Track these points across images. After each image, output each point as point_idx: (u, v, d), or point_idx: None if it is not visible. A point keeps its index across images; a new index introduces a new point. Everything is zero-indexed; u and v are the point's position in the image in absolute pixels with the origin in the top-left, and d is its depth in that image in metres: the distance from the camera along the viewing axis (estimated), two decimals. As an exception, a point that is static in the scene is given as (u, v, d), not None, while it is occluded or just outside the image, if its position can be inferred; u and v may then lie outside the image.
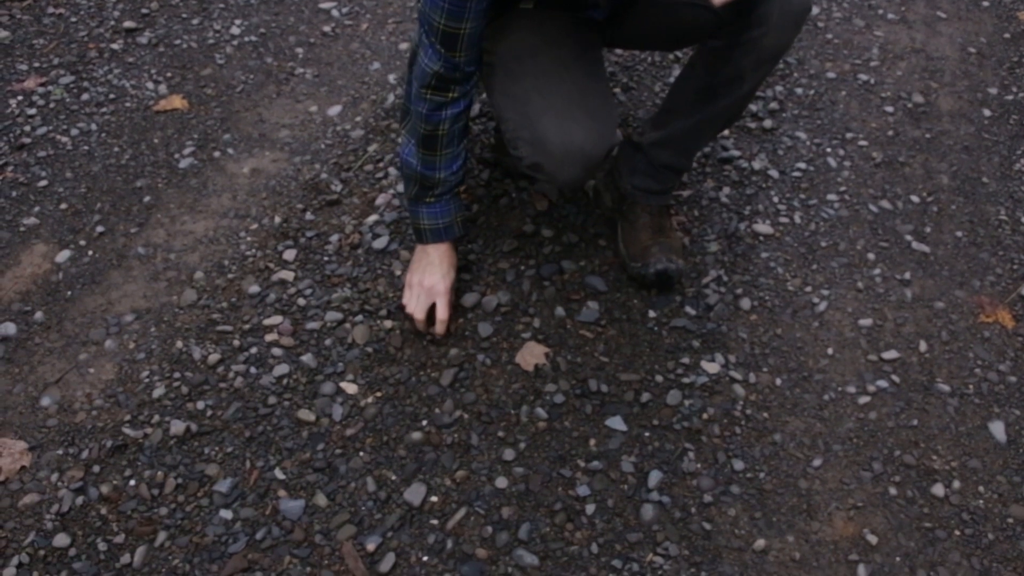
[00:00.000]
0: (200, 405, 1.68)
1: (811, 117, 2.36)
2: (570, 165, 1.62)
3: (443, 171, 1.70)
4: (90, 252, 1.97)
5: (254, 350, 1.77)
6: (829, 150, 2.27)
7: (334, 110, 2.32)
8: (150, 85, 2.40)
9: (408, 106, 1.69)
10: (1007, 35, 2.69)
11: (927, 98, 2.44)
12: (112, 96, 2.37)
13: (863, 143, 2.29)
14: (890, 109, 2.40)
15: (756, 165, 2.20)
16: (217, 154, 2.20)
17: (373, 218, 2.02)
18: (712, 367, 1.77)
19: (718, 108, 1.71)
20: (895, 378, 1.79)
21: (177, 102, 2.35)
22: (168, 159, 2.19)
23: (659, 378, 1.75)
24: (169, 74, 2.44)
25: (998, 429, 1.71)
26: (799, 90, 2.44)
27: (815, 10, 2.72)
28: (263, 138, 2.25)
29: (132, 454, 1.62)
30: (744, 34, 1.59)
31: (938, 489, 1.61)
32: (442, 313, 1.74)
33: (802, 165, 2.22)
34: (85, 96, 2.36)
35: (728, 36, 1.61)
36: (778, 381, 1.77)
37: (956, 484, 1.62)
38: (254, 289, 1.87)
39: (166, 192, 2.10)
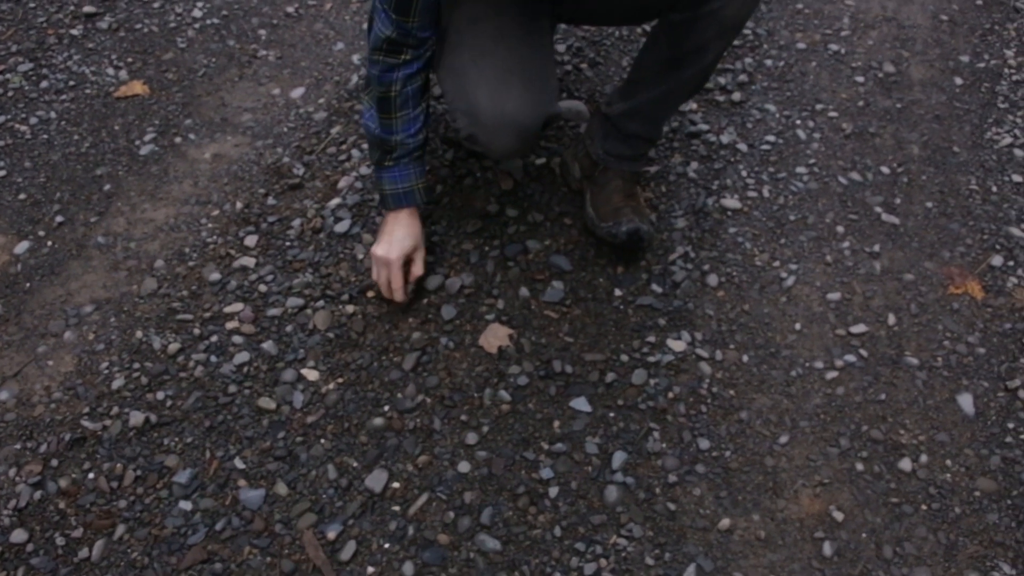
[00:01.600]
0: (160, 395, 1.66)
1: (780, 89, 2.33)
2: (503, 135, 1.62)
3: (400, 133, 1.68)
4: (49, 243, 1.94)
5: (214, 338, 1.75)
6: (799, 122, 2.24)
7: (297, 92, 2.29)
8: (110, 71, 2.36)
9: (367, 71, 1.67)
10: (979, 2, 2.66)
11: (898, 67, 2.42)
12: (72, 83, 2.33)
13: (833, 114, 2.27)
14: (861, 79, 2.37)
15: (724, 139, 2.17)
16: (178, 140, 2.17)
17: (335, 201, 1.99)
18: (678, 345, 1.76)
19: (683, 78, 1.69)
20: (863, 352, 1.77)
21: (138, 88, 2.31)
22: (129, 146, 2.16)
23: (624, 357, 1.73)
24: (130, 59, 2.40)
25: (966, 402, 1.70)
26: (768, 62, 2.41)
27: (786, -20, 2.68)
28: (225, 123, 2.21)
29: (91, 447, 1.60)
30: (704, 6, 1.56)
31: (905, 464, 1.60)
32: (395, 281, 1.71)
33: (771, 138, 2.19)
34: (44, 84, 2.32)
35: (688, 8, 1.58)
36: (745, 358, 1.75)
37: (923, 458, 1.61)
38: (215, 277, 1.85)
39: (127, 180, 2.07)
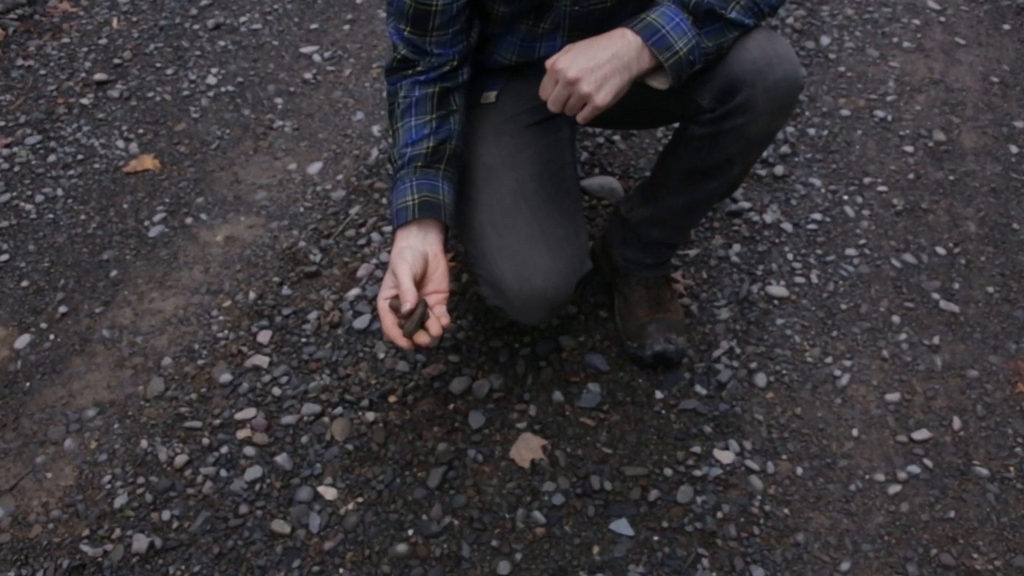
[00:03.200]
0: (165, 515, 1.54)
1: (825, 161, 2.20)
2: (532, 311, 1.47)
3: (399, 145, 1.46)
4: (51, 336, 1.82)
5: (225, 449, 1.62)
6: (846, 198, 2.11)
7: (314, 168, 2.17)
8: (120, 143, 2.26)
9: None
10: (1032, 62, 2.52)
11: (949, 135, 2.28)
12: (80, 157, 2.23)
13: (882, 188, 2.13)
14: (910, 149, 2.24)
15: (768, 218, 2.04)
16: (189, 220, 2.06)
17: (354, 292, 1.87)
18: (726, 456, 1.62)
19: (709, 189, 1.55)
20: (927, 462, 1.63)
21: (148, 162, 2.21)
22: (137, 227, 2.05)
23: (668, 471, 1.59)
24: (141, 130, 2.30)
25: (1044, 520, 1.55)
26: (812, 130, 2.28)
27: (825, 40, 2.56)
28: (238, 201, 2.10)
29: (90, 575, 1.47)
30: (726, 121, 1.42)
31: (981, 595, 1.45)
32: (408, 298, 1.36)
33: (817, 216, 2.06)
34: (52, 157, 2.22)
35: (709, 124, 1.44)
36: (799, 470, 1.61)
37: (1000, 588, 1.47)
38: (225, 378, 1.72)
39: (134, 265, 1.96)
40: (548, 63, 1.30)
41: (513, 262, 1.43)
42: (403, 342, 1.36)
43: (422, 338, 1.36)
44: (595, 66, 1.26)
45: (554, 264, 1.44)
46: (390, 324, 1.36)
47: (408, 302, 1.34)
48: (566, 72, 1.27)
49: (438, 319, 1.37)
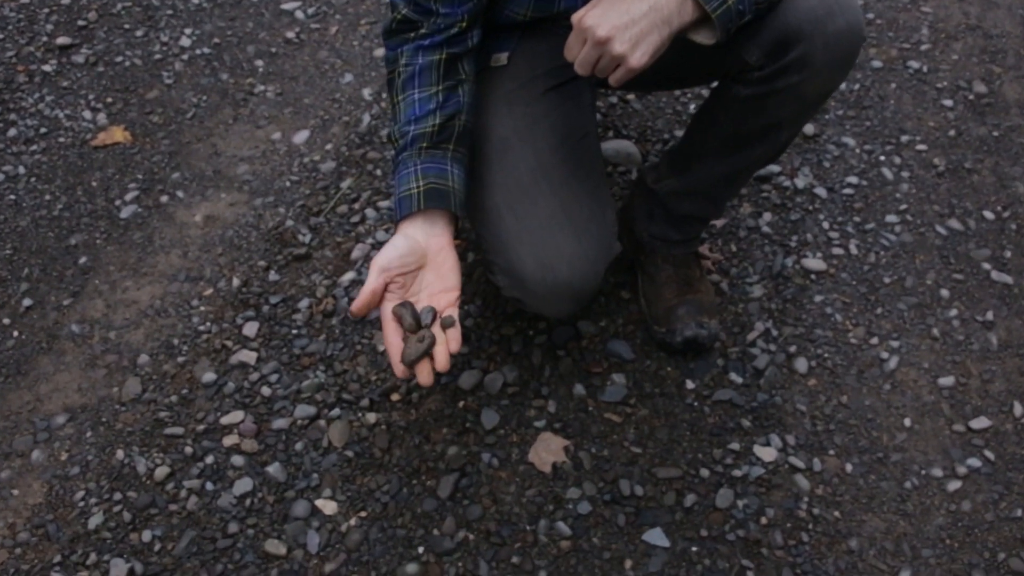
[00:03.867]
0: (146, 536, 1.37)
1: (858, 118, 2.01)
2: (556, 303, 1.29)
3: (400, 121, 1.27)
4: (15, 333, 1.65)
5: (210, 459, 1.45)
6: (883, 158, 1.93)
7: (300, 137, 1.98)
8: (87, 114, 2.06)
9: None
10: (1076, 4, 2.33)
11: (990, 87, 2.10)
12: (43, 130, 2.03)
13: (921, 147, 1.95)
14: (948, 103, 2.06)
15: (800, 183, 1.86)
16: (165, 198, 1.87)
17: (349, 276, 1.69)
18: (768, 453, 1.46)
19: (752, 157, 1.37)
20: (988, 454, 1.47)
21: (118, 134, 2.01)
22: (108, 207, 1.86)
23: (704, 472, 1.44)
24: (109, 99, 2.09)
25: (1121, 517, 1.40)
26: (843, 84, 2.09)
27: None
28: (218, 175, 1.91)
29: (63, 607, 1.31)
30: (778, 81, 1.24)
31: (1058, 606, 1.31)
32: (362, 295, 1.20)
33: (853, 179, 1.88)
34: (12, 132, 2.02)
35: (759, 83, 1.26)
36: (848, 467, 1.45)
37: (1078, 597, 1.32)
38: (209, 377, 1.55)
39: (105, 250, 1.78)
40: (574, 19, 1.11)
41: (534, 248, 1.25)
42: (399, 369, 1.20)
43: (423, 373, 1.19)
44: (629, 21, 1.07)
45: (580, 249, 1.26)
46: (392, 339, 1.20)
47: (358, 308, 1.19)
48: (596, 29, 1.08)
49: (447, 345, 1.20)
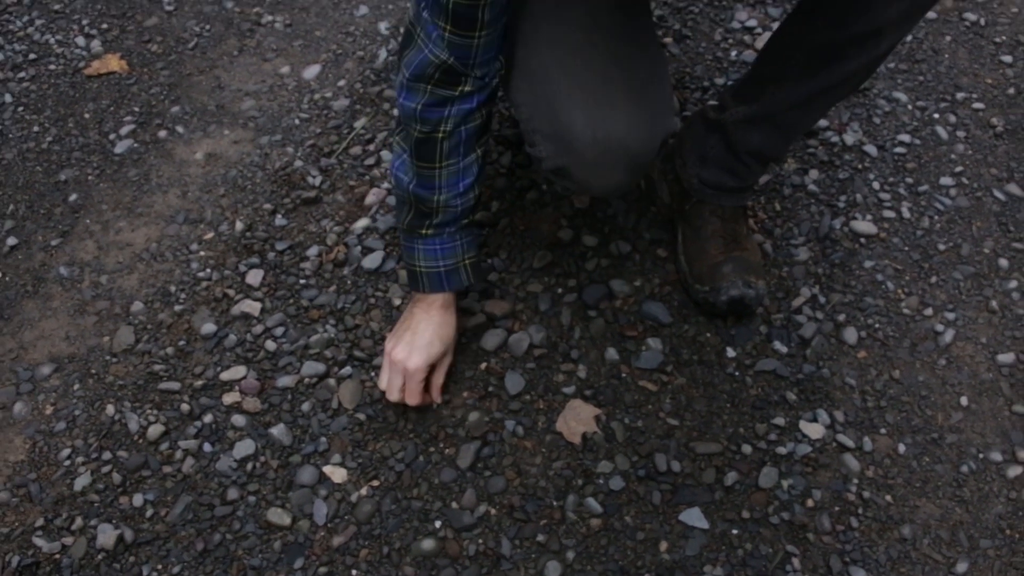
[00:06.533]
0: (137, 500, 1.26)
1: (911, 72, 1.87)
2: (607, 169, 1.17)
3: (444, 191, 1.22)
4: (-2, 274, 1.52)
5: (208, 418, 1.33)
6: (937, 116, 1.79)
7: (311, 71, 1.83)
8: (80, 40, 1.91)
9: (399, 102, 1.20)
10: None
11: (1051, 43, 1.95)
12: (33, 56, 1.88)
13: (978, 105, 1.82)
14: (1007, 59, 1.91)
15: (848, 139, 1.73)
16: (163, 133, 1.73)
17: (363, 223, 1.56)
18: (815, 430, 1.34)
19: (842, 74, 1.22)
20: (1052, 438, 1.36)
21: (114, 63, 1.87)
22: (101, 141, 1.72)
23: (747, 448, 1.32)
24: (105, 25, 1.94)
25: None
26: (893, 36, 1.94)
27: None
28: (221, 111, 1.77)
29: (46, 575, 1.20)
30: None
31: None
32: (411, 396, 1.28)
33: (905, 137, 1.74)
34: (-1, 56, 1.87)
35: None
36: (901, 447, 1.34)
37: None
38: (208, 328, 1.43)
39: (97, 187, 1.64)
40: None
41: (586, 106, 1.13)
42: (393, 393, 1.28)
43: (412, 397, 1.28)
44: None
45: (638, 110, 1.14)
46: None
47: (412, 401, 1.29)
48: None
49: (439, 389, 1.33)
